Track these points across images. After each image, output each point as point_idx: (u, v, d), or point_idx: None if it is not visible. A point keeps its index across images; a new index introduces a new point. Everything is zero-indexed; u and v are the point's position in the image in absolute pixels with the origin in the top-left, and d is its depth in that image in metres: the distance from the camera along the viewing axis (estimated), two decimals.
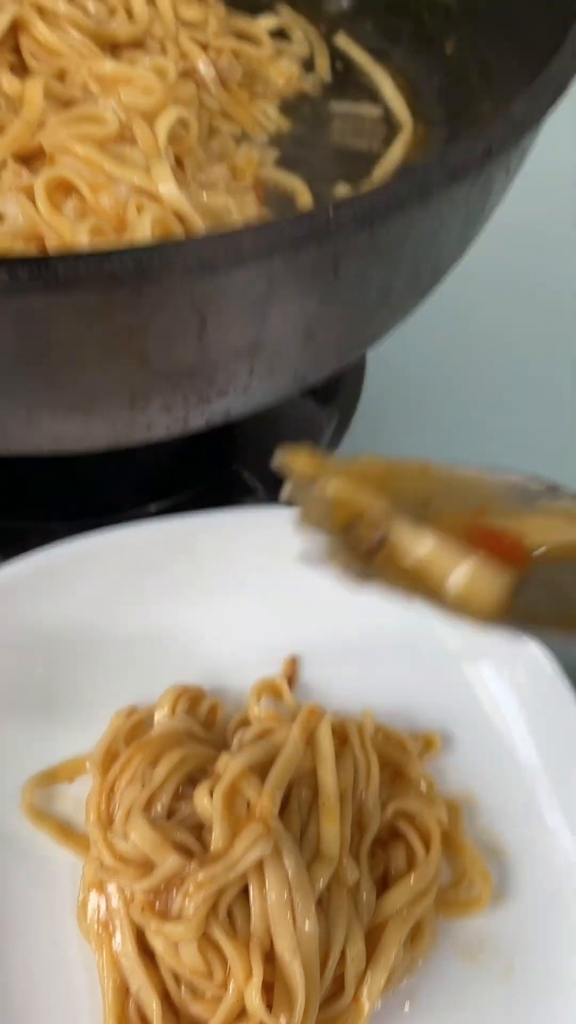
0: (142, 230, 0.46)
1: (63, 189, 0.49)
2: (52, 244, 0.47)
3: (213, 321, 0.37)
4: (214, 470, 0.64)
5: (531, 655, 0.54)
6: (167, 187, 0.48)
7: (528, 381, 0.80)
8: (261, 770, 0.49)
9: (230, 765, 0.47)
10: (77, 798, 0.52)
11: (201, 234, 0.45)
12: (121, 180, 0.48)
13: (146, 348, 0.37)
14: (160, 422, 0.44)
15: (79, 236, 0.46)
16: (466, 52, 0.66)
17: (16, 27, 0.57)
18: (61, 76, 0.57)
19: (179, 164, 0.55)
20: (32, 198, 0.48)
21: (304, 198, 0.60)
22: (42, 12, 0.58)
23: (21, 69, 0.58)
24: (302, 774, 0.50)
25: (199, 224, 0.48)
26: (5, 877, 0.49)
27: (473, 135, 0.38)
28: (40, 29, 0.57)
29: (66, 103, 0.55)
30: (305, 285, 0.38)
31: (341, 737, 0.52)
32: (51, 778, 0.52)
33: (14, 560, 0.57)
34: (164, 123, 0.53)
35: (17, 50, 0.58)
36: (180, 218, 0.49)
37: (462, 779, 0.54)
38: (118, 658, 0.55)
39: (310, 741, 0.51)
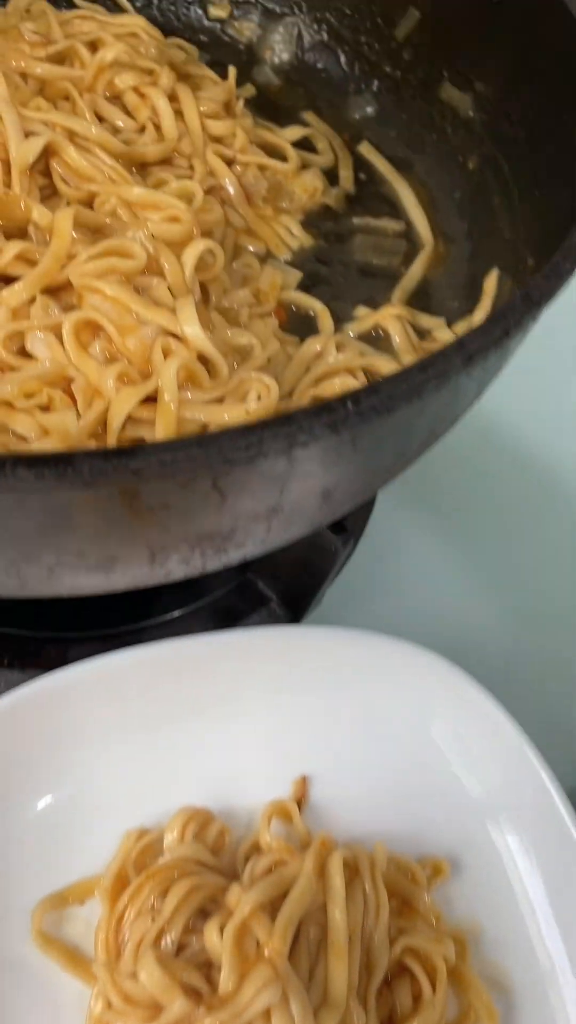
0: (168, 377, 0.47)
1: (91, 328, 0.50)
2: (79, 387, 0.48)
3: (233, 497, 0.38)
4: (229, 579, 0.65)
5: (541, 789, 0.54)
6: (192, 329, 0.49)
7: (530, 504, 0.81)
8: (272, 906, 0.50)
9: (241, 903, 0.48)
10: (87, 920, 0.52)
11: (223, 426, 0.46)
12: (148, 322, 0.49)
13: (168, 521, 0.38)
14: (178, 571, 0.45)
15: (106, 382, 0.47)
16: (488, 170, 0.67)
17: (48, 152, 0.58)
18: (90, 201, 0.58)
19: (204, 291, 0.57)
20: (60, 337, 0.49)
21: (325, 321, 0.61)
22: (73, 136, 0.59)
23: (51, 192, 0.59)
24: (312, 909, 0.50)
25: (223, 367, 0.50)
26: (12, 1004, 0.49)
27: (492, 318, 0.39)
28: (71, 154, 0.58)
29: (95, 230, 0.57)
30: (324, 462, 0.39)
31: (352, 869, 0.52)
32: (61, 901, 0.52)
33: (30, 674, 0.58)
34: (191, 256, 0.54)
35: (47, 173, 0.59)
36: (204, 359, 0.50)
37: (468, 907, 0.55)
38: (129, 778, 0.55)
39: (321, 873, 0.51)
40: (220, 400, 0.49)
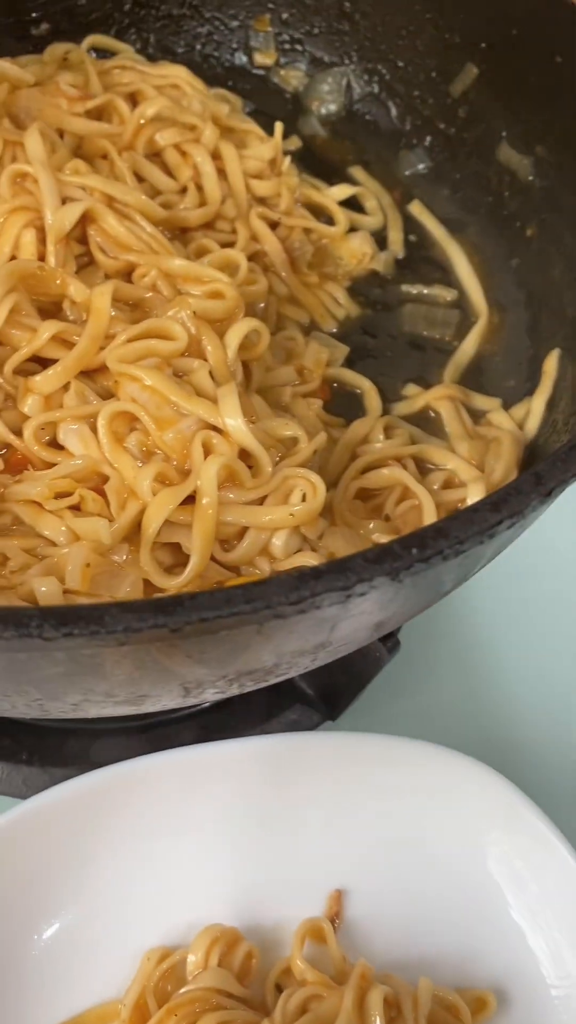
0: (208, 479, 0.44)
1: (127, 419, 0.47)
2: (113, 487, 0.45)
3: (279, 640, 0.35)
4: None
5: None
6: (235, 423, 0.46)
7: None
8: None
9: None
10: None
11: (264, 528, 0.43)
12: (188, 414, 0.46)
13: (206, 662, 0.35)
14: (212, 698, 0.41)
15: (142, 483, 0.44)
16: (548, 239, 0.63)
17: (85, 219, 0.55)
18: (129, 271, 0.55)
19: (246, 369, 0.53)
20: (94, 428, 0.46)
21: (372, 400, 0.57)
22: (112, 202, 0.56)
23: (87, 260, 0.56)
24: None
25: (267, 464, 0.46)
26: None
27: (571, 447, 0.35)
28: (110, 222, 0.55)
29: (134, 305, 0.53)
30: (380, 603, 0.35)
31: (393, 1007, 0.48)
32: None
33: (50, 772, 0.54)
34: (235, 337, 0.50)
35: (84, 240, 0.56)
36: (246, 453, 0.46)
37: None
38: (147, 892, 0.52)
39: (360, 1008, 0.48)
40: (261, 501, 0.46)
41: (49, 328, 0.48)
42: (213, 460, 0.44)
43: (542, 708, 0.64)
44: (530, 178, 0.64)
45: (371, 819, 0.54)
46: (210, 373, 0.49)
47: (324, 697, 0.59)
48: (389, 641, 0.51)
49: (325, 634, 0.36)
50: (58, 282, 0.51)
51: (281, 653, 0.36)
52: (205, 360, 0.50)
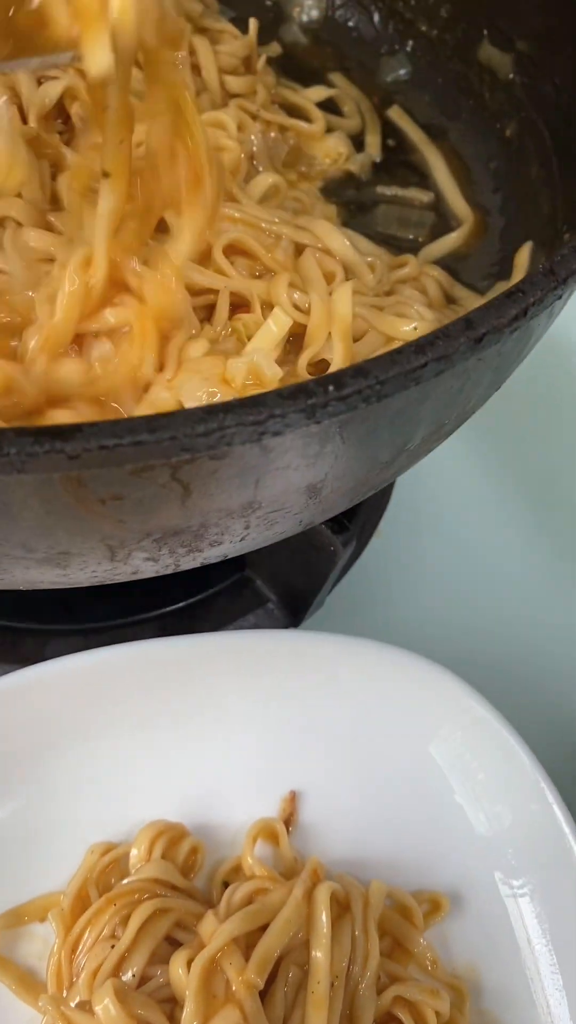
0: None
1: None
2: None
3: (199, 491, 0.33)
4: (226, 575, 0.60)
5: (554, 827, 0.48)
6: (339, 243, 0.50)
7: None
8: (247, 941, 0.45)
9: (216, 935, 0.43)
10: (46, 940, 0.48)
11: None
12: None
13: (123, 515, 0.34)
14: (147, 568, 0.40)
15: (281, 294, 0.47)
16: (528, 137, 0.61)
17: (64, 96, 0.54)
18: None
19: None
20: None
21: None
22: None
23: (70, 137, 0.54)
24: (294, 946, 0.45)
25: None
26: None
27: (506, 295, 0.33)
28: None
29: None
30: (305, 454, 0.34)
31: (342, 906, 0.47)
32: (17, 919, 0.48)
33: (4, 668, 0.53)
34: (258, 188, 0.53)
35: (64, 117, 0.55)
36: None
37: (466, 950, 0.50)
38: (98, 787, 0.51)
39: (307, 901, 0.47)
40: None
41: None
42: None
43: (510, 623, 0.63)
44: (511, 76, 0.62)
45: (324, 720, 0.53)
46: None
47: (285, 601, 0.58)
48: (343, 534, 0.50)
49: (250, 490, 0.35)
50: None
51: (205, 510, 0.35)
52: None
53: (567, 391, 0.80)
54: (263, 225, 0.50)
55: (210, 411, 0.29)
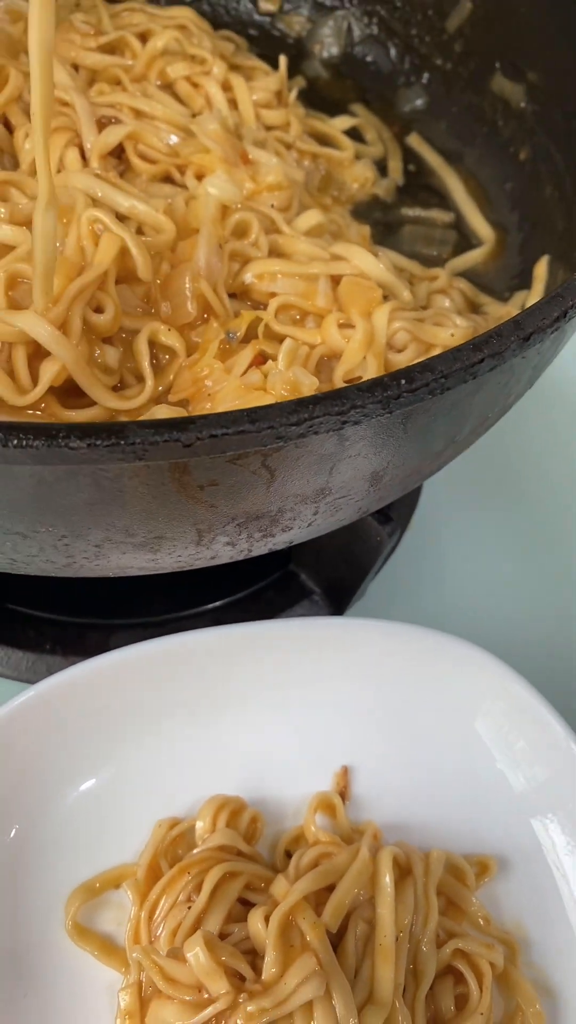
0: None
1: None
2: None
3: (282, 476, 0.38)
4: (273, 571, 0.64)
5: None
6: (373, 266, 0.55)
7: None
8: (317, 899, 0.49)
9: (292, 892, 0.47)
10: (121, 904, 0.52)
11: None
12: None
13: (216, 500, 0.38)
14: (224, 554, 0.44)
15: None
16: (541, 160, 0.66)
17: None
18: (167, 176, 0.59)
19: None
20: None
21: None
22: (139, 116, 0.60)
23: (124, 169, 0.60)
24: (361, 903, 0.49)
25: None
26: (42, 992, 0.49)
27: (549, 300, 0.38)
28: (149, 139, 0.59)
29: None
30: (374, 443, 0.38)
31: (404, 870, 0.51)
32: (92, 891, 0.52)
33: (72, 660, 0.58)
34: (305, 223, 0.57)
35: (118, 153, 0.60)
36: None
37: (514, 908, 0.53)
38: (164, 767, 0.55)
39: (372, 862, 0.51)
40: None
41: None
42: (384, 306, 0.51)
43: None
44: (522, 104, 0.67)
45: (371, 699, 0.57)
46: None
47: (329, 593, 0.62)
48: (388, 525, 0.54)
49: (324, 476, 0.39)
50: None
51: (284, 495, 0.39)
52: None
53: None
54: (301, 272, 0.54)
55: (301, 403, 0.34)
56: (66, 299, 0.46)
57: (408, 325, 0.52)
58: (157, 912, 0.50)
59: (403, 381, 0.35)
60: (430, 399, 0.36)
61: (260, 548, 0.45)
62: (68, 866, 0.52)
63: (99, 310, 0.48)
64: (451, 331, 0.52)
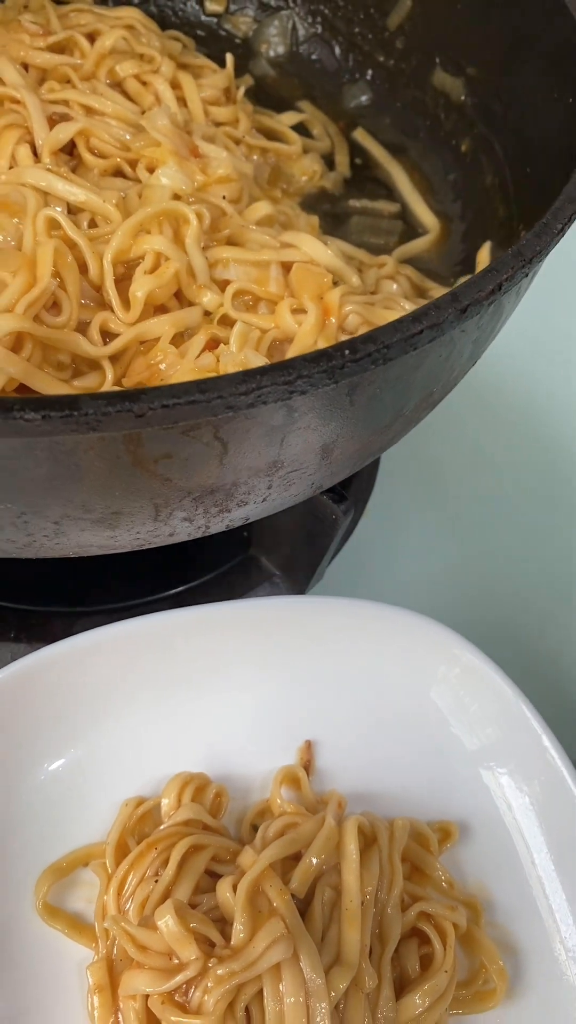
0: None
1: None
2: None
3: (234, 448, 0.39)
4: (233, 555, 0.66)
5: (537, 742, 0.54)
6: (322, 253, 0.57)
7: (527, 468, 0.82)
8: (283, 866, 0.50)
9: (258, 861, 0.48)
10: (91, 883, 0.53)
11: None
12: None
13: (171, 473, 0.39)
14: (182, 530, 0.46)
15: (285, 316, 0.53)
16: (481, 151, 0.68)
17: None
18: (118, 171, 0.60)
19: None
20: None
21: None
22: (91, 113, 0.61)
23: (76, 165, 0.60)
24: (327, 870, 0.51)
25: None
26: (12, 971, 0.49)
27: (484, 273, 0.40)
28: (101, 134, 0.60)
29: None
30: (322, 414, 0.40)
31: (369, 838, 0.53)
32: (62, 872, 0.52)
33: (36, 646, 0.58)
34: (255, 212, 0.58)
35: (70, 149, 0.61)
36: None
37: (476, 872, 0.55)
38: (129, 747, 0.56)
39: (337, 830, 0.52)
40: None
41: None
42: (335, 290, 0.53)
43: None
44: (463, 98, 0.69)
45: (331, 674, 0.59)
46: None
47: (289, 574, 0.63)
48: (343, 504, 0.56)
49: (276, 448, 0.41)
50: None
51: (238, 468, 0.41)
52: None
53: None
54: (253, 259, 0.56)
55: (248, 374, 0.35)
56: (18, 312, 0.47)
57: (359, 308, 0.54)
58: (125, 888, 0.51)
59: (347, 351, 0.36)
60: (373, 369, 0.37)
61: (217, 524, 0.46)
62: (37, 847, 0.53)
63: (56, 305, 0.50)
64: (400, 314, 0.54)
